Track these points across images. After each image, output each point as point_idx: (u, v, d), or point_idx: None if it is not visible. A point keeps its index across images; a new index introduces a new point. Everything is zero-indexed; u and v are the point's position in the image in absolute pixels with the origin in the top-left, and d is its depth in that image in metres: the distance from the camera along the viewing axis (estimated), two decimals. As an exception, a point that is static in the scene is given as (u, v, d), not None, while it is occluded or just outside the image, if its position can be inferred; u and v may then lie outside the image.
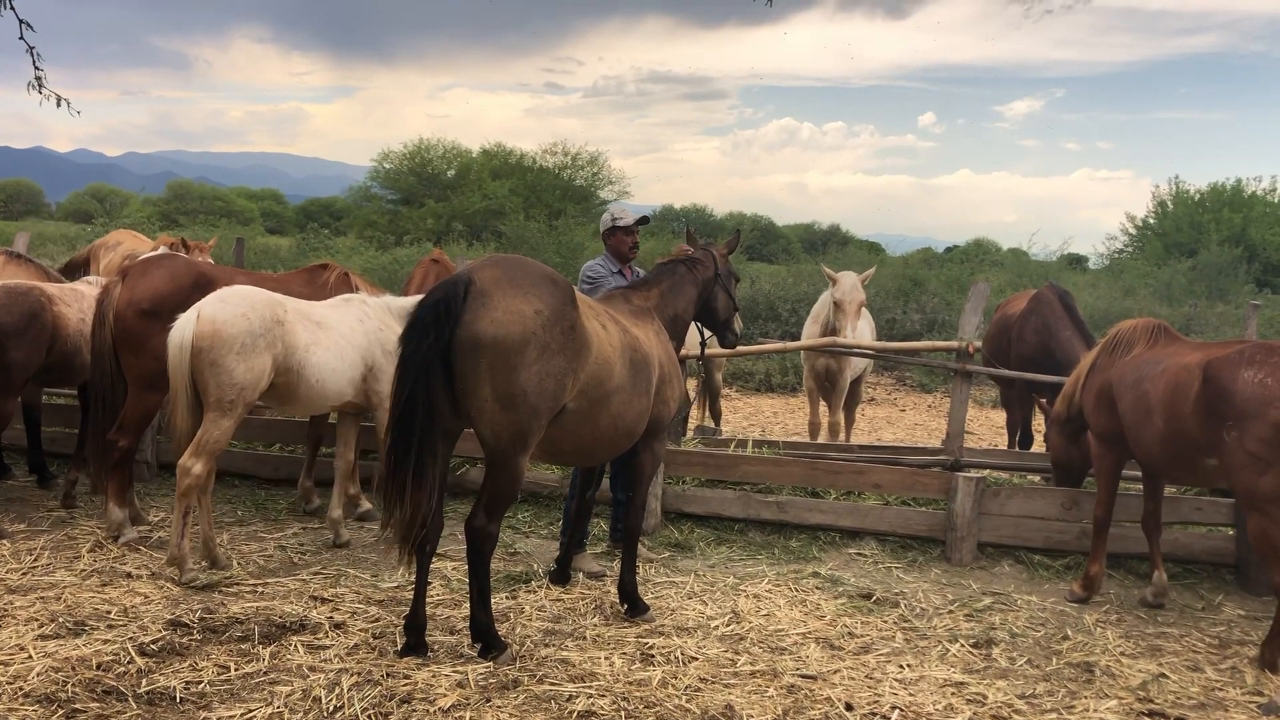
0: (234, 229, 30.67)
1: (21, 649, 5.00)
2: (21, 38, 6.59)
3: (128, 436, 6.95)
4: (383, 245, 29.65)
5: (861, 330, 9.80)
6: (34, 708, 4.40)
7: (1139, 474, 7.03)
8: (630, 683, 5.01)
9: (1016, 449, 9.82)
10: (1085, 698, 5.24)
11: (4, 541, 6.76)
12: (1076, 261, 36.33)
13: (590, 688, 4.91)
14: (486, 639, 5.27)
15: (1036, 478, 8.38)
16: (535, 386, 5.02)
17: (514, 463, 5.15)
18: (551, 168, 40.19)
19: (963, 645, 5.87)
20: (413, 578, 5.31)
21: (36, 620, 5.39)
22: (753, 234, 44.51)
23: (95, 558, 6.59)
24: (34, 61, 6.82)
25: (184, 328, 6.13)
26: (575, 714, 4.63)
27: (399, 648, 5.24)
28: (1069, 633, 6.18)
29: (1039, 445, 9.88)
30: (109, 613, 5.58)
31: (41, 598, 5.76)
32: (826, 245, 41.27)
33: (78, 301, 7.24)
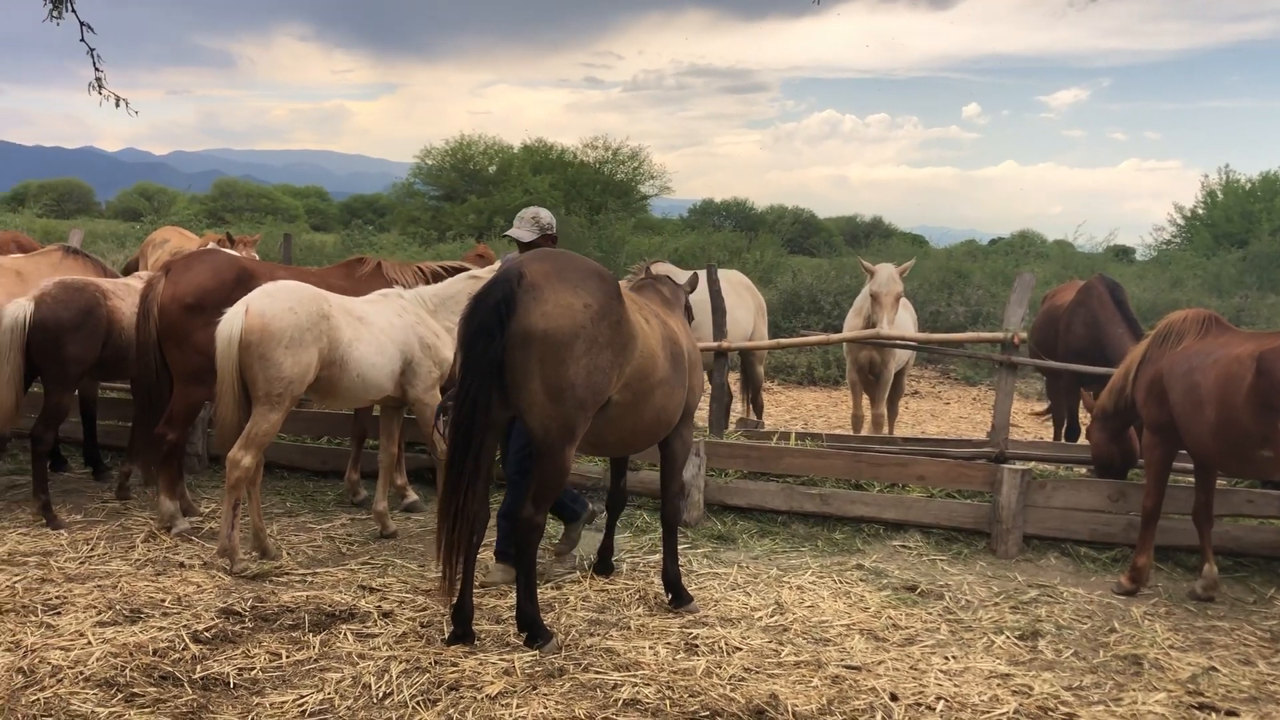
0: (279, 226, 30.98)
1: (81, 635, 5.12)
2: (83, 39, 6.74)
3: (176, 430, 7.08)
4: (425, 241, 29.84)
5: (904, 321, 9.75)
6: (94, 691, 4.51)
7: (1189, 465, 6.96)
8: (675, 672, 5.04)
9: (1063, 441, 9.73)
10: (1133, 690, 5.20)
11: (62, 532, 6.91)
12: (1123, 253, 35.82)
13: (635, 676, 4.95)
14: (532, 628, 5.32)
15: (1083, 470, 8.31)
16: (584, 380, 5.08)
17: (561, 455, 5.21)
18: (592, 163, 40.25)
19: (1008, 637, 5.85)
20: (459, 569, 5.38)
21: (95, 608, 5.51)
22: (794, 227, 44.29)
23: (149, 548, 6.72)
24: (94, 63, 6.98)
25: (232, 322, 6.23)
26: (620, 702, 4.67)
27: (446, 636, 5.31)
28: (1116, 625, 6.13)
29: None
30: (163, 601, 5.70)
31: (99, 586, 5.89)
32: (869, 238, 40.96)
33: (131, 296, 7.38)
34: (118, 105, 7.34)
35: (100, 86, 7.17)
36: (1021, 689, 5.11)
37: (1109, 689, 5.23)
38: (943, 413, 14.93)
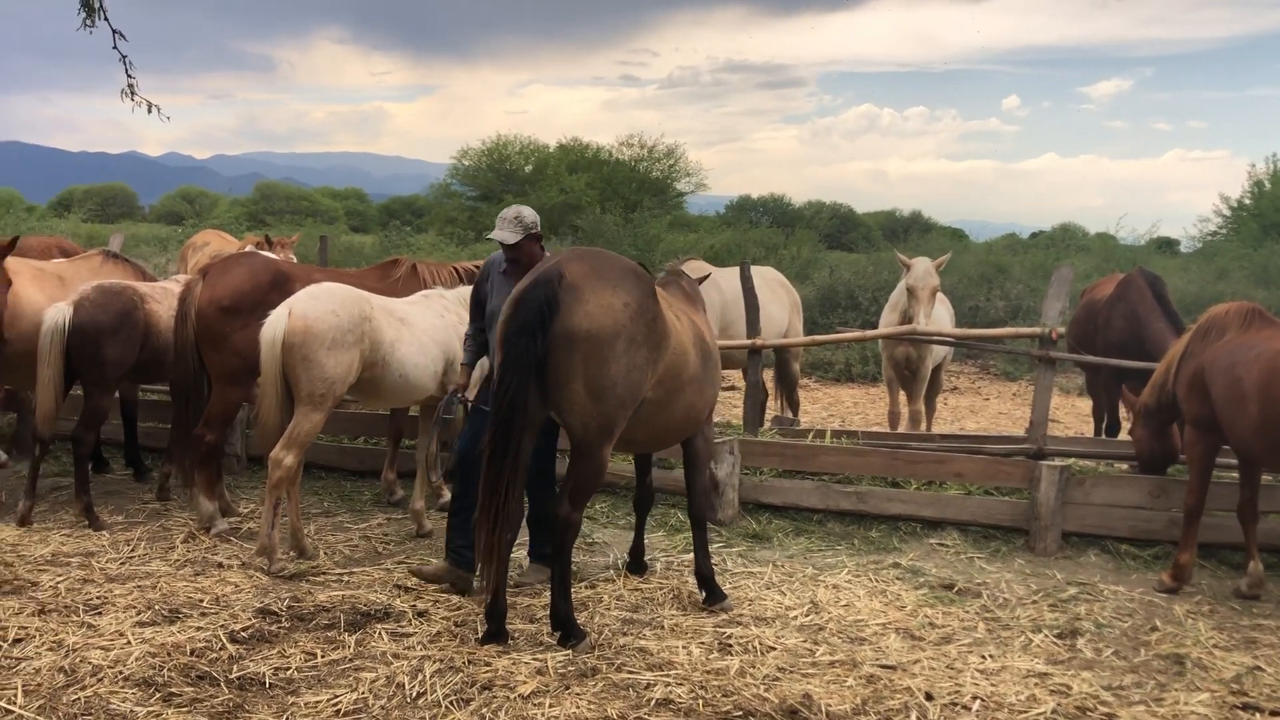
0: (319, 228, 31.24)
1: (121, 635, 5.19)
2: (115, 47, 6.82)
3: (213, 431, 7.15)
4: (462, 241, 29.97)
5: (940, 317, 9.67)
6: (133, 690, 4.57)
7: (1233, 461, 6.84)
8: (708, 671, 5.03)
9: (1103, 437, 9.61)
10: (1175, 690, 5.13)
11: (104, 533, 7.01)
12: (1166, 245, 35.30)
13: (668, 676, 4.94)
14: (565, 627, 5.33)
15: (1124, 466, 8.20)
16: (624, 378, 5.13)
17: (600, 453, 5.25)
18: (628, 160, 40.23)
19: (1046, 636, 5.78)
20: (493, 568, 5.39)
21: (134, 608, 5.58)
22: (832, 222, 44.07)
23: (188, 548, 6.80)
24: (126, 70, 7.06)
25: (276, 324, 6.31)
26: (653, 702, 4.67)
27: (480, 635, 5.33)
28: (1158, 624, 6.04)
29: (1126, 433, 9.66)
30: (201, 601, 5.76)
31: (139, 586, 5.97)
32: (908, 232, 40.59)
33: (169, 299, 7.46)
34: (150, 111, 7.45)
35: (133, 93, 7.26)
36: (1060, 688, 5.05)
37: (1150, 689, 5.15)
38: (982, 409, 14.79)
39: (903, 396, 10.27)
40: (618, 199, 33.37)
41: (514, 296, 5.20)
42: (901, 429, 9.98)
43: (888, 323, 9.87)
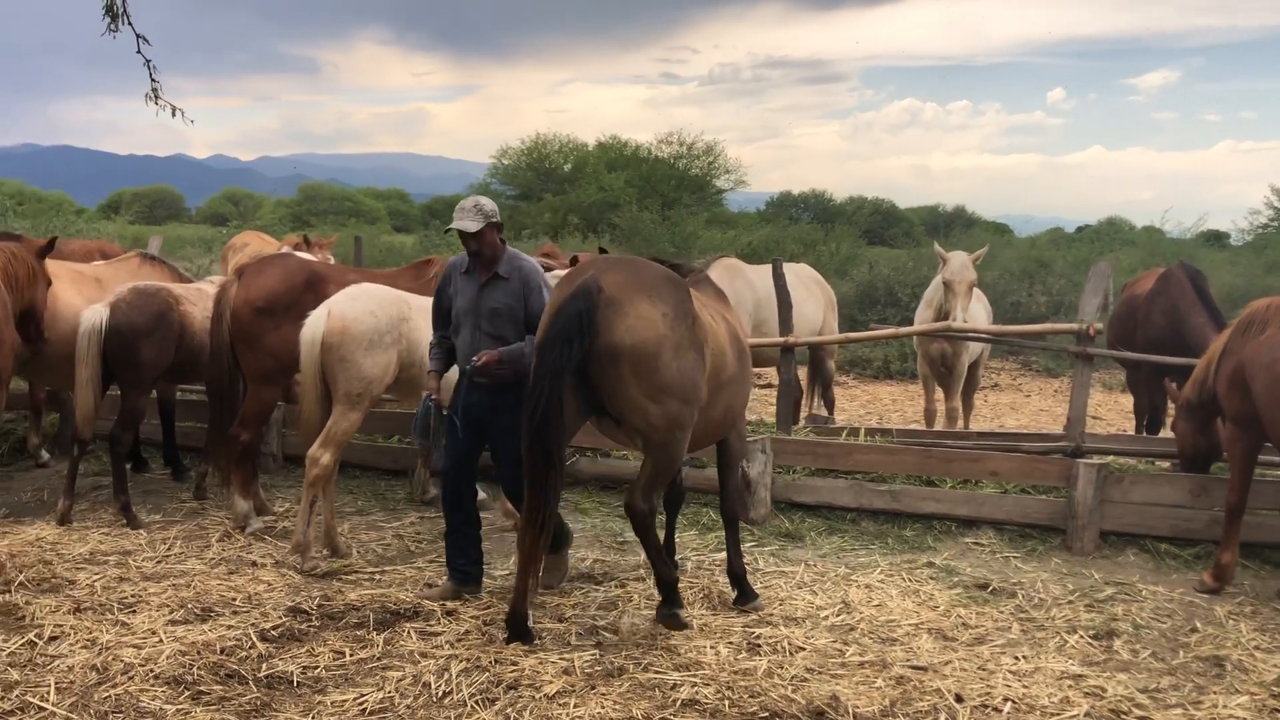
0: (362, 228, 31.49)
1: (154, 633, 5.25)
2: (139, 51, 6.87)
3: (248, 430, 7.22)
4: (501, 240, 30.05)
5: (976, 312, 9.55)
6: (163, 689, 4.62)
7: (1276, 459, 6.70)
8: (735, 672, 5.00)
9: (1144, 434, 9.45)
10: (1214, 693, 5.03)
11: (141, 531, 7.09)
12: (1215, 238, 34.65)
13: (695, 676, 4.91)
14: (671, 594, 5.47)
15: (1166, 464, 8.05)
16: (679, 379, 5.18)
17: (675, 447, 5.35)
18: (666, 158, 40.22)
19: (1082, 637, 5.69)
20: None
21: (168, 606, 5.64)
22: (873, 217, 43.78)
23: (224, 547, 6.86)
24: (150, 74, 7.12)
25: (315, 325, 6.39)
26: (679, 702, 4.65)
27: (506, 635, 5.33)
28: (1198, 625, 5.93)
29: (1169, 430, 9.48)
30: (234, 600, 5.81)
31: (173, 585, 6.03)
32: (951, 227, 40.22)
33: (203, 301, 7.54)
34: (174, 114, 7.50)
35: (157, 96, 7.33)
36: (1094, 691, 4.97)
37: (1188, 691, 5.06)
38: (1023, 405, 14.61)
39: (939, 393, 10.16)
40: (656, 196, 33.37)
41: (553, 308, 5.22)
42: (938, 426, 9.88)
43: (923, 319, 9.76)
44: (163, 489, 8.37)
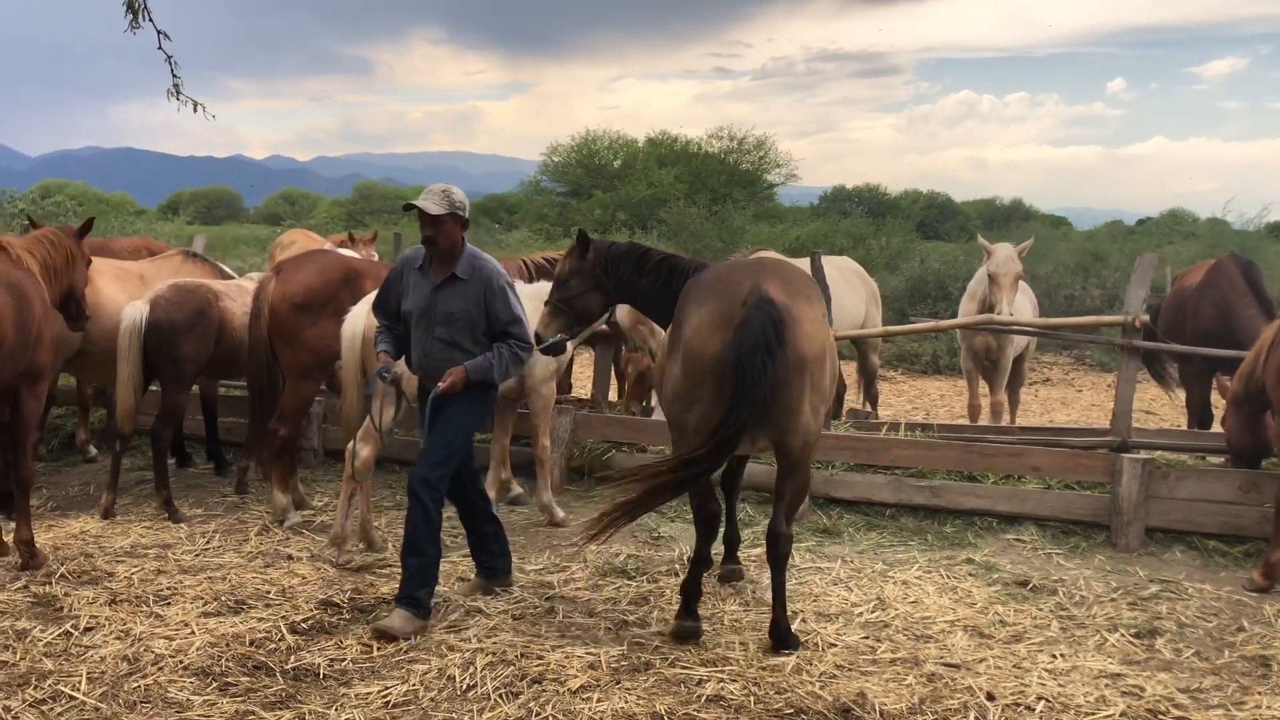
0: (415, 227, 31.73)
1: (186, 625, 5.31)
2: (160, 48, 6.95)
3: (287, 425, 7.29)
4: (551, 237, 30.17)
5: (1021, 305, 9.38)
6: (191, 680, 4.67)
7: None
8: (763, 668, 4.95)
9: (1195, 429, 9.21)
10: (1259, 694, 4.88)
11: (182, 525, 7.19)
12: (1280, 230, 33.86)
13: (722, 672, 4.87)
14: (785, 638, 5.26)
15: (1218, 459, 7.85)
16: (828, 389, 5.22)
17: (810, 464, 5.40)
18: (717, 153, 40.03)
19: (1123, 635, 5.56)
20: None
21: (202, 599, 5.71)
22: (927, 210, 43.29)
23: (261, 541, 6.93)
24: (171, 70, 7.21)
25: (356, 320, 6.45)
26: (703, 698, 4.61)
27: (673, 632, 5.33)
28: (1245, 624, 5.76)
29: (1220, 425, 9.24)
30: (268, 593, 5.86)
31: (209, 578, 6.10)
32: (1008, 220, 39.65)
33: (242, 297, 7.62)
34: (195, 110, 7.59)
35: (178, 92, 7.41)
36: (1132, 690, 4.85)
37: (1231, 692, 4.92)
38: (1074, 400, 14.36)
39: (984, 388, 10.00)
40: (706, 192, 33.24)
41: (733, 321, 4.97)
42: (982, 421, 9.72)
43: (966, 312, 9.62)
44: (205, 483, 8.48)
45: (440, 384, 5.45)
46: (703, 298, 5.25)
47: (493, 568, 6.02)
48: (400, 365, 5.84)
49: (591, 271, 6.17)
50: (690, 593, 5.41)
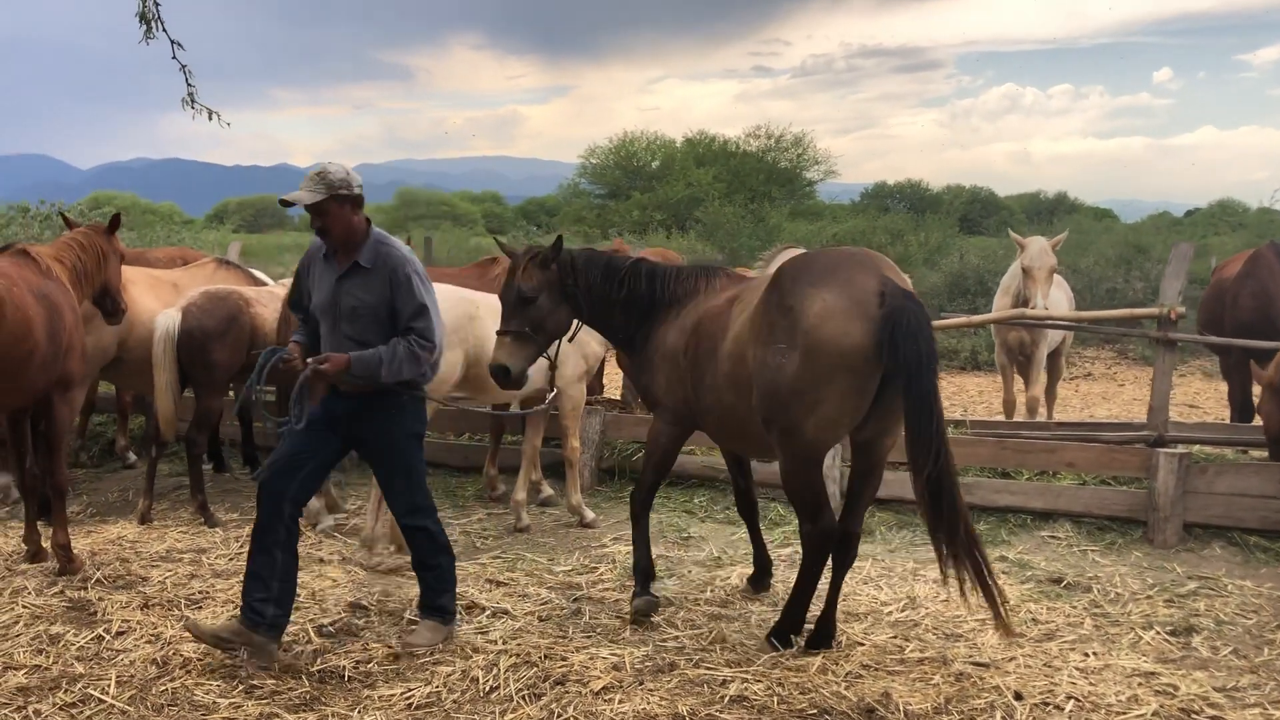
0: (455, 231, 31.99)
1: (215, 629, 5.34)
2: (174, 57, 7.03)
3: (318, 429, 7.33)
4: (589, 239, 30.26)
5: (1057, 299, 9.24)
6: (217, 683, 4.70)
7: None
8: (788, 668, 4.90)
9: (1236, 422, 9.04)
10: (1298, 692, 4.77)
11: (217, 530, 7.27)
12: (1334, 219, 33.16)
13: (746, 672, 4.83)
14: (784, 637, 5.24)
15: (1261, 453, 7.68)
16: None
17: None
18: (755, 151, 39.97)
19: (1158, 633, 5.46)
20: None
21: (233, 602, 5.74)
22: (971, 206, 42.93)
23: (294, 544, 6.97)
24: (186, 79, 7.28)
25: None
26: (727, 699, 4.58)
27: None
28: (1286, 621, 5.65)
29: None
30: (298, 595, 5.86)
31: (241, 581, 6.14)
32: (1052, 214, 39.22)
33: (273, 303, 7.70)
34: (210, 118, 7.66)
35: (193, 101, 7.49)
36: (1166, 689, 4.76)
37: (1269, 690, 4.82)
38: (1115, 395, 14.14)
39: (1019, 383, 9.88)
40: (744, 191, 33.18)
41: (894, 317, 4.64)
42: (1018, 418, 9.59)
43: (1001, 306, 9.49)
44: (241, 488, 8.57)
45: (317, 362, 4.79)
46: (816, 283, 4.80)
47: (259, 613, 4.95)
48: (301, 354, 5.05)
49: (560, 283, 5.67)
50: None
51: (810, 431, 4.87)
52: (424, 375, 5.07)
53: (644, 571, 5.72)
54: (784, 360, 4.79)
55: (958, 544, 4.74)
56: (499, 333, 5.66)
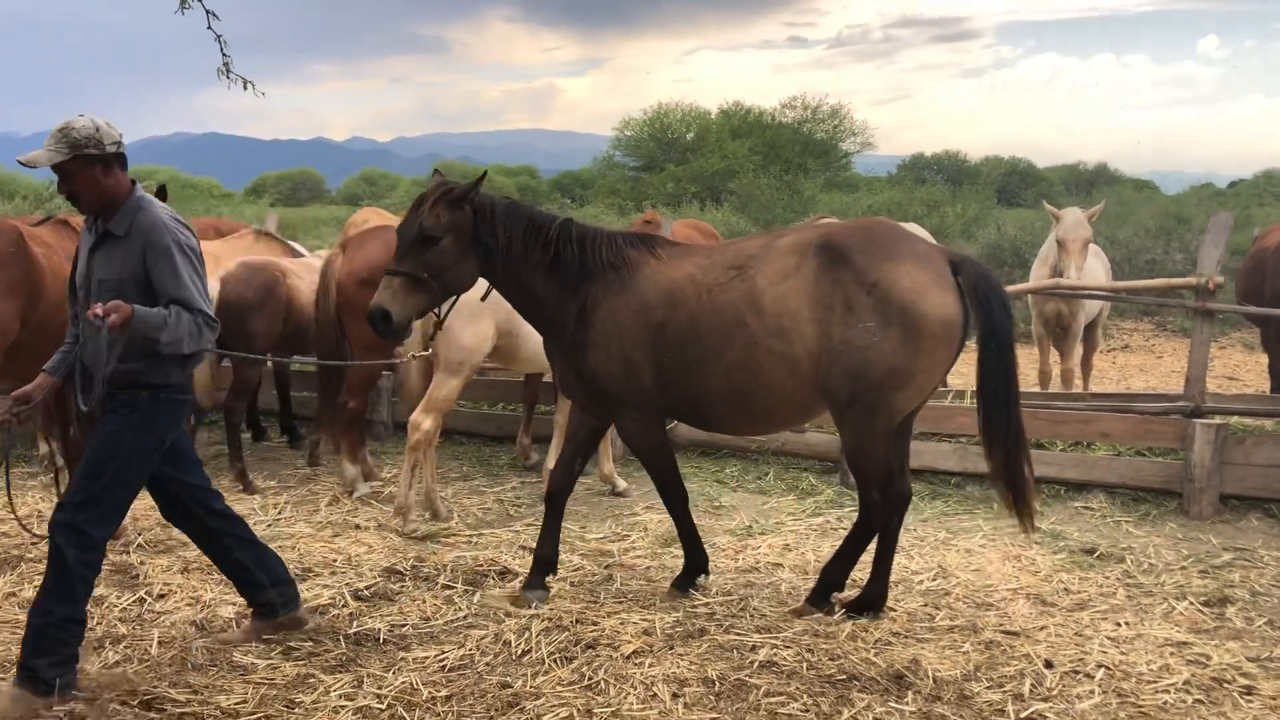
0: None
1: (254, 592, 5.45)
2: (209, 27, 7.06)
3: (355, 398, 7.43)
4: (623, 211, 30.22)
5: (1093, 269, 9.16)
6: (255, 644, 4.80)
7: None
8: (818, 635, 4.93)
9: (1276, 394, 8.94)
10: (1332, 663, 4.75)
11: (255, 496, 7.39)
12: (1383, 187, 32.50)
13: (776, 639, 4.86)
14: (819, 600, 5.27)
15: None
16: None
17: None
18: (791, 123, 39.68)
19: (1192, 603, 5.44)
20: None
21: (269, 565, 5.85)
22: (1009, 178, 42.45)
23: (331, 511, 7.09)
24: (221, 49, 7.32)
25: None
26: (756, 664, 4.61)
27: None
28: (1323, 593, 5.61)
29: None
30: (334, 561, 6.00)
31: (279, 547, 6.21)
32: (1093, 185, 38.70)
33: (310, 275, 7.78)
34: (245, 88, 7.71)
35: (228, 71, 7.53)
36: (1198, 658, 4.75)
37: (1302, 661, 4.79)
38: (1154, 367, 13.99)
39: (1055, 355, 9.80)
40: (780, 162, 32.98)
41: (981, 285, 4.87)
42: (1053, 389, 9.53)
43: (1038, 277, 9.42)
44: (279, 456, 8.70)
45: (94, 312, 3.93)
46: (891, 257, 4.76)
47: (266, 603, 4.84)
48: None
49: (472, 230, 4.96)
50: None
51: (900, 405, 4.93)
52: (195, 360, 4.43)
53: (695, 560, 5.61)
54: (876, 339, 4.71)
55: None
56: (387, 272, 4.88)
